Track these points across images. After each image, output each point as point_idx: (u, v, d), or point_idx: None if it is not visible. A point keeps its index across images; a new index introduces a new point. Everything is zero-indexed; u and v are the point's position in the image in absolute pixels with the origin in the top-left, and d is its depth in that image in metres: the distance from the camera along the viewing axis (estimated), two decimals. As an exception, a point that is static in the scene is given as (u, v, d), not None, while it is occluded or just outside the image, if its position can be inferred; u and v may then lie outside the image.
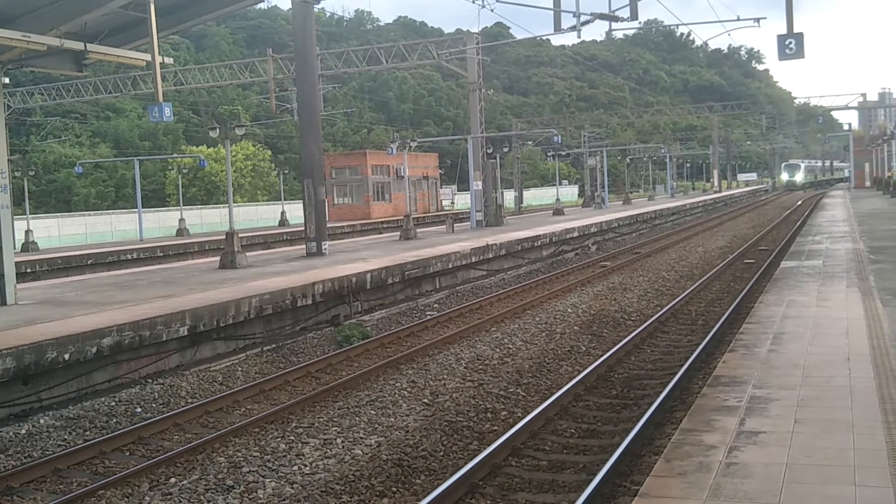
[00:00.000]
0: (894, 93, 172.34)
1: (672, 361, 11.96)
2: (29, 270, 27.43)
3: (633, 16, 22.33)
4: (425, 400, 10.52)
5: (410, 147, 35.74)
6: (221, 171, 61.98)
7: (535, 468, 7.94)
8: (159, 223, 49.03)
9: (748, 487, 5.18)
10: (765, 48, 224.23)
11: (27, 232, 37.50)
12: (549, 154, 64.16)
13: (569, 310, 17.10)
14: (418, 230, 32.06)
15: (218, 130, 23.09)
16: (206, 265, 22.61)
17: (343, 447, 8.75)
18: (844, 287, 13.54)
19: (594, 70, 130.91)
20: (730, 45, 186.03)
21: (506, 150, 51.28)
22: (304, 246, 24.08)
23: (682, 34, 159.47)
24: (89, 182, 65.76)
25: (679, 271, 23.22)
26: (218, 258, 22.04)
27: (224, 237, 21.75)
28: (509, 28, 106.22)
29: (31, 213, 41.47)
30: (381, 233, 41.07)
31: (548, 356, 12.90)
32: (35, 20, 14.28)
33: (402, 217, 32.73)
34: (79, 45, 14.71)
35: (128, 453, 8.99)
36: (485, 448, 8.17)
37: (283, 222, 51.66)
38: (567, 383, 10.58)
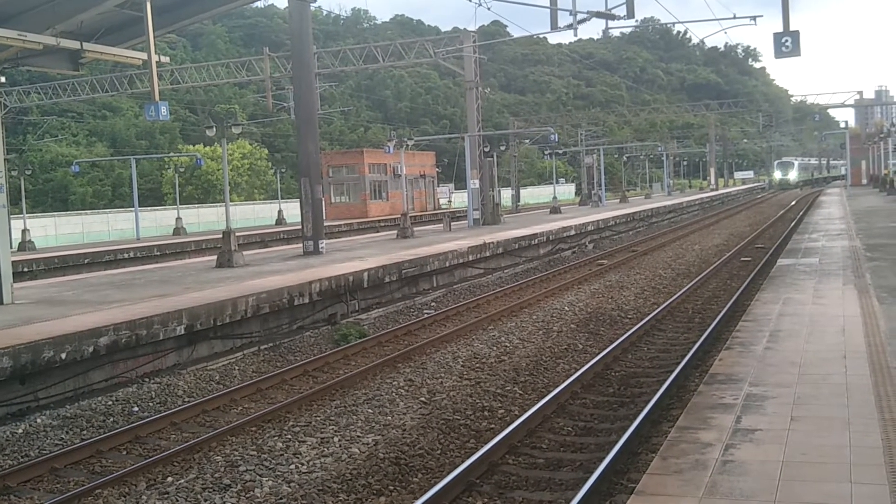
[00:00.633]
0: (891, 90, 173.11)
1: (669, 359, 11.98)
2: (26, 270, 27.41)
3: (630, 14, 22.36)
4: (422, 398, 10.51)
5: (407, 145, 35.78)
6: (218, 170, 61.98)
7: (533, 466, 7.94)
8: (156, 222, 48.97)
9: (744, 485, 5.19)
10: (761, 46, 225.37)
11: (24, 231, 37.44)
12: (546, 152, 64.13)
13: (566, 308, 17.10)
14: (415, 229, 32.07)
15: (214, 129, 23.15)
16: (202, 264, 22.60)
17: (340, 446, 8.75)
18: (841, 285, 13.53)
19: (591, 68, 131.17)
20: (726, 43, 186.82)
21: (503, 148, 51.38)
22: (301, 245, 24.08)
23: (678, 32, 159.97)
24: (86, 181, 65.75)
25: (676, 269, 23.23)
26: (215, 257, 22.03)
27: (221, 236, 21.73)
28: (506, 26, 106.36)
29: (27, 213, 41.41)
30: (378, 231, 41.08)
31: (545, 354, 12.90)
32: (31, 19, 14.26)
33: (399, 215, 32.71)
34: (75, 44, 14.72)
35: (125, 452, 8.98)
36: (482, 446, 8.17)
37: (279, 221, 51.63)
38: (564, 381, 10.59)
